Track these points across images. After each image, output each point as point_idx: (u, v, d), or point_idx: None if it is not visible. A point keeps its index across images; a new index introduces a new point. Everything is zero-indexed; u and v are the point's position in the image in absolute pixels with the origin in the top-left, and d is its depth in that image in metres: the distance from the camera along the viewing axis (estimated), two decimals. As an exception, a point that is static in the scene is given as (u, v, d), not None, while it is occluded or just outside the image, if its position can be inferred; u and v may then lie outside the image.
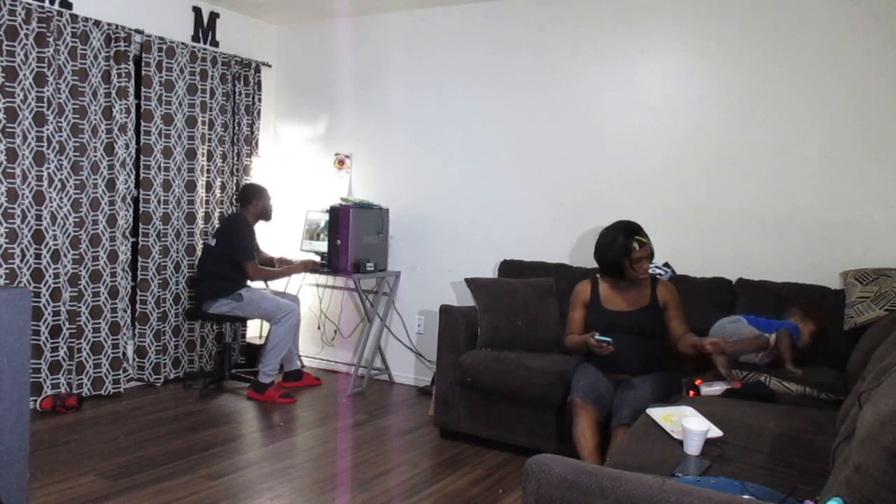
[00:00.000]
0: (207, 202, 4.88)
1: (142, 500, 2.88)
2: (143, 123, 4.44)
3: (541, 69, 4.40)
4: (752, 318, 3.30)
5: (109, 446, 3.46)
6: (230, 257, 4.38)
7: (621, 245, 3.22)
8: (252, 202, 4.54)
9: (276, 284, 5.07)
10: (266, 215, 4.62)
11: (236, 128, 5.08)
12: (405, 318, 4.95)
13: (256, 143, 5.20)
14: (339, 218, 4.53)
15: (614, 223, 3.34)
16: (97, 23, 4.12)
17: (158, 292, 4.58)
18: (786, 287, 3.51)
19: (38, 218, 3.88)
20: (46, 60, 3.85)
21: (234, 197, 4.97)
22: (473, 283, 4.01)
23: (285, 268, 4.72)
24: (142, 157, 4.45)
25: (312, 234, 5.04)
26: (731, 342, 3.09)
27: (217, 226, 4.81)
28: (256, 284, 4.76)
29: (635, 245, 3.21)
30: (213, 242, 4.48)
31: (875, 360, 2.39)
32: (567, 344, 3.44)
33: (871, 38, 3.52)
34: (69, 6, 4.03)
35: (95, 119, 4.15)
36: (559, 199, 4.36)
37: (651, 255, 3.31)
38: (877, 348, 2.54)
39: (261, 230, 4.80)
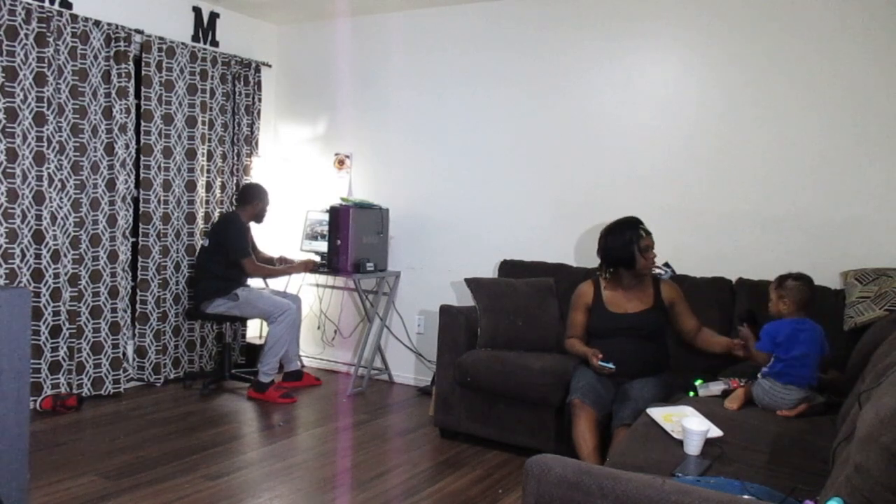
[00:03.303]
0: (207, 202, 4.88)
1: (142, 500, 2.88)
2: (143, 123, 4.44)
3: (541, 69, 4.40)
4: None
5: (109, 446, 3.46)
6: (225, 257, 4.38)
7: (629, 237, 3.29)
8: (253, 202, 4.54)
9: (277, 284, 5.08)
10: (261, 217, 4.62)
11: (236, 128, 5.08)
12: (405, 318, 4.95)
13: (256, 143, 5.20)
14: (339, 218, 4.53)
15: (613, 222, 3.41)
16: (97, 23, 4.12)
17: (158, 292, 4.58)
18: (786, 287, 3.50)
19: (38, 218, 3.88)
20: (46, 60, 3.85)
21: (234, 196, 4.96)
22: (473, 283, 4.01)
23: (285, 266, 4.72)
24: (142, 157, 4.45)
25: (312, 234, 5.04)
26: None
27: (210, 226, 4.80)
28: (256, 283, 4.76)
29: (642, 233, 3.30)
30: (206, 243, 4.49)
31: (875, 360, 2.39)
32: (567, 348, 3.46)
33: (871, 38, 3.52)
34: (69, 6, 4.03)
35: (95, 119, 4.15)
36: (559, 199, 4.36)
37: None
38: (877, 348, 2.54)
39: (260, 230, 4.80)
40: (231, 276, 4.40)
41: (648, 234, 3.33)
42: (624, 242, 3.30)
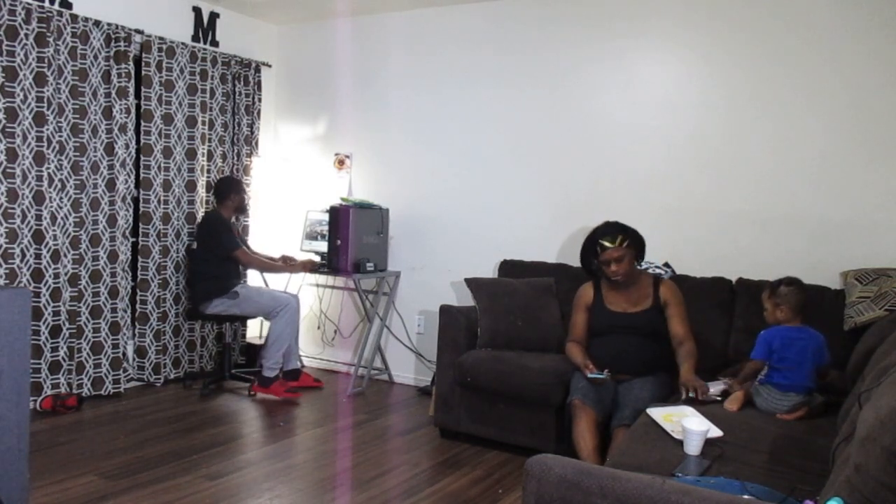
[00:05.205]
0: (207, 202, 4.87)
1: (142, 500, 2.88)
2: (143, 123, 4.44)
3: (541, 69, 4.40)
4: None
5: (109, 446, 3.46)
6: (216, 256, 4.38)
7: (586, 250, 3.38)
8: (230, 196, 4.54)
9: (277, 284, 5.07)
10: (243, 209, 4.65)
11: (236, 128, 5.08)
12: (405, 318, 4.95)
13: (256, 143, 5.19)
14: (339, 218, 4.53)
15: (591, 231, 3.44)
16: (97, 23, 4.12)
17: (158, 292, 4.58)
18: (786, 287, 3.50)
19: (38, 218, 3.88)
20: (46, 60, 3.84)
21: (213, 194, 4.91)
22: (473, 283, 4.01)
23: (283, 264, 4.72)
24: (142, 157, 4.45)
25: (312, 234, 5.04)
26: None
27: (195, 228, 4.75)
28: (255, 282, 4.75)
29: (598, 249, 3.29)
30: (194, 246, 4.50)
31: (875, 360, 2.39)
32: (566, 353, 3.46)
33: (872, 38, 3.52)
34: (69, 6, 4.02)
35: (95, 119, 4.15)
36: (559, 198, 4.36)
37: (630, 256, 3.29)
38: (877, 348, 2.54)
39: (261, 230, 4.80)
40: (226, 274, 4.41)
41: (607, 248, 3.23)
42: (585, 254, 3.40)
